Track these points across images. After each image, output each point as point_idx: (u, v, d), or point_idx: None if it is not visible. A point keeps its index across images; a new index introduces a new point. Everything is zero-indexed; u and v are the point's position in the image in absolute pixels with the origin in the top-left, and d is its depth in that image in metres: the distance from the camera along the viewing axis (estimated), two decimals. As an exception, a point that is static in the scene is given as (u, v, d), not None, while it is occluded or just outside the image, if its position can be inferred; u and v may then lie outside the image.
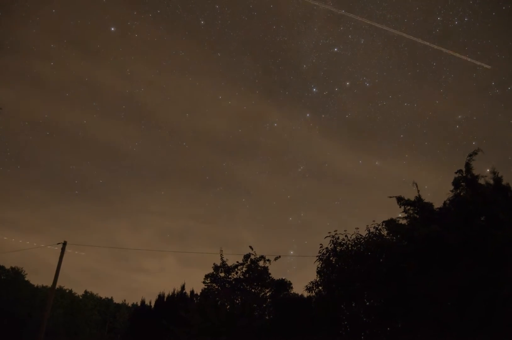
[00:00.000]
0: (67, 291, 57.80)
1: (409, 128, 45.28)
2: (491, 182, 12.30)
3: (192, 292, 25.66)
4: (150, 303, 27.51)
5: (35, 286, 50.81)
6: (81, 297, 60.90)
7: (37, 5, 41.02)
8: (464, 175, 12.56)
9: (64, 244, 24.69)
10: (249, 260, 19.42)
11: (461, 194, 12.48)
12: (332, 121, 49.44)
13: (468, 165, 12.60)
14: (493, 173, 12.42)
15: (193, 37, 45.76)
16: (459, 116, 41.60)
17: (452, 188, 12.76)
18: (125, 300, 69.09)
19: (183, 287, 26.16)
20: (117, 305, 67.72)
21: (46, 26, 43.74)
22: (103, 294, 69.23)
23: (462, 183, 12.56)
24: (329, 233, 14.60)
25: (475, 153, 12.61)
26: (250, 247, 19.66)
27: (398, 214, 13.65)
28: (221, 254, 19.86)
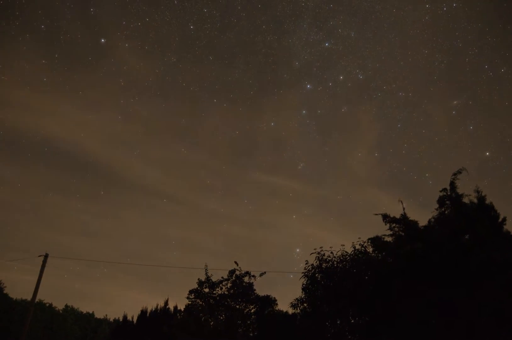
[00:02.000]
0: (47, 305, 56.40)
1: (406, 117, 45.96)
2: (475, 200, 12.50)
3: (175, 307, 25.28)
4: (132, 318, 26.95)
5: (14, 299, 49.50)
6: (61, 311, 59.42)
7: (26, 22, 41.33)
8: (448, 193, 12.74)
9: (46, 256, 24.19)
10: (234, 275, 19.24)
11: (446, 212, 12.64)
12: (329, 116, 49.94)
13: (452, 184, 12.79)
14: (477, 192, 12.62)
15: (183, 42, 46.43)
16: (455, 102, 42.36)
17: (437, 206, 12.93)
18: (106, 315, 67.63)
19: (166, 303, 25.74)
20: (98, 320, 66.18)
21: (36, 42, 43.93)
22: (84, 308, 67.63)
23: (447, 201, 12.73)
24: (315, 249, 14.62)
25: (459, 172, 12.83)
26: (235, 262, 19.51)
27: (384, 230, 13.76)
28: (205, 269, 19.66)
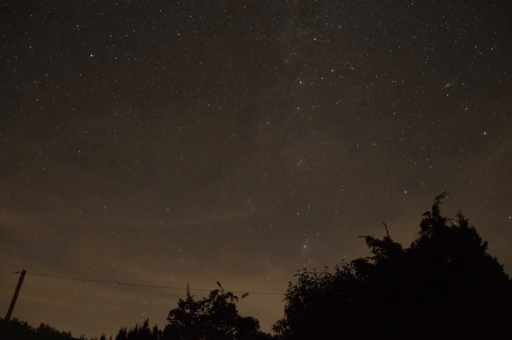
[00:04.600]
0: (22, 323, 54.60)
1: (400, 104, 46.70)
2: (457, 224, 12.67)
3: (155, 328, 24.61)
4: (110, 339, 26.18)
5: (-13, 317, 47.81)
6: (36, 331, 57.55)
7: (13, 44, 41.69)
8: (431, 217, 12.89)
9: (23, 273, 23.53)
10: (216, 296, 18.95)
11: (429, 235, 12.76)
12: (323, 111, 50.66)
13: (435, 208, 12.96)
14: (459, 216, 12.81)
15: (172, 50, 47.21)
16: (447, 85, 43.30)
17: (420, 229, 13.06)
18: (83, 335, 65.51)
19: (146, 323, 25.07)
20: (75, 340, 64.18)
21: (26, 63, 44.29)
22: (60, 328, 65.57)
23: (430, 225, 12.86)
24: (298, 271, 14.52)
25: (442, 196, 13.01)
26: (218, 283, 19.25)
27: (368, 253, 13.80)
28: (187, 289, 19.34)
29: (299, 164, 52.16)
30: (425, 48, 42.53)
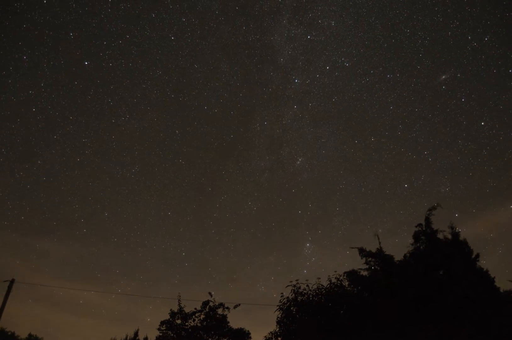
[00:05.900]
0: (9, 333, 53.67)
1: (397, 99, 46.72)
2: (449, 236, 12.72)
3: (145, 339, 24.34)
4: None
5: (-26, 327, 46.97)
6: (24, 341, 56.55)
7: (7, 55, 41.82)
8: (424, 228, 12.94)
9: (12, 281, 23.17)
10: (207, 307, 18.78)
11: (421, 247, 12.79)
12: (320, 108, 50.71)
13: (427, 220, 13.02)
14: (451, 228, 12.87)
15: (166, 54, 47.44)
16: (443, 77, 43.47)
17: (412, 241, 13.10)
18: (72, 345, 64.49)
19: (136, 333, 24.76)
20: (63, 350, 63.06)
21: (21, 74, 44.36)
22: (48, 338, 64.51)
23: (422, 237, 12.90)
24: (291, 282, 14.44)
25: (434, 208, 13.08)
26: (210, 293, 19.09)
27: (361, 264, 13.79)
28: (179, 300, 19.15)
29: (298, 162, 52.30)
30: (419, 41, 43.05)
